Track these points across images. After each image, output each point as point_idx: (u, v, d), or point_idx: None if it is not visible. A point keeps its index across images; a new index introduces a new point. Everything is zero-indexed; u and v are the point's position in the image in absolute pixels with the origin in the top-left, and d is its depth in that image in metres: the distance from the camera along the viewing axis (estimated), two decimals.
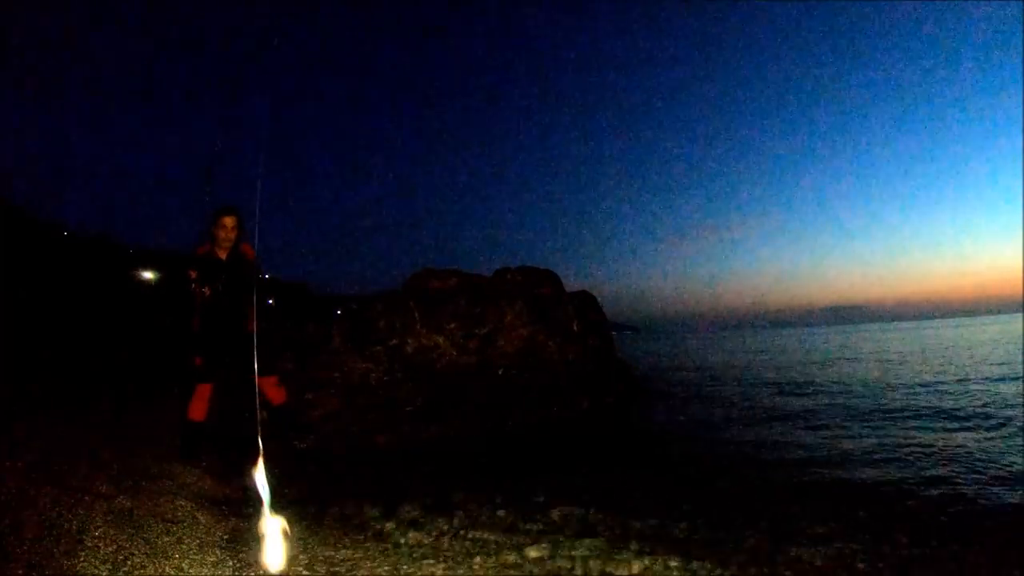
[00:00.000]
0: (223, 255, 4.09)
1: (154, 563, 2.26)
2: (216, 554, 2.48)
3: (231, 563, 2.42)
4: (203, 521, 2.87)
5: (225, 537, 2.74)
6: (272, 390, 4.35)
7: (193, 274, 3.91)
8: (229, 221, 4.08)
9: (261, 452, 1.31)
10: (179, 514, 2.88)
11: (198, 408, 4.01)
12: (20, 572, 1.97)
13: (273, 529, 1.27)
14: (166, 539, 2.51)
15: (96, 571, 2.10)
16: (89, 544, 2.27)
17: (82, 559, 2.15)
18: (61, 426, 4.27)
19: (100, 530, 2.42)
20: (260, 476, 1.30)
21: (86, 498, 2.73)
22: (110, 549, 2.28)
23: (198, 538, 2.61)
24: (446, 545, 2.96)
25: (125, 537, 2.42)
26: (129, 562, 2.22)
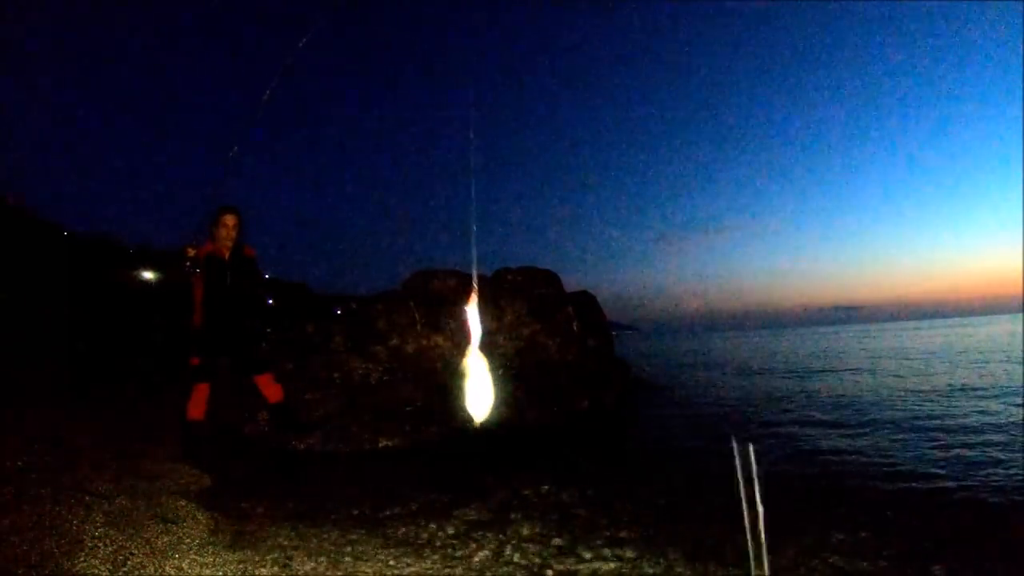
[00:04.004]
0: (225, 254, 4.09)
1: (154, 563, 2.26)
2: (216, 554, 2.48)
3: (231, 563, 2.42)
4: (203, 521, 2.87)
5: (225, 537, 2.74)
6: (268, 387, 4.35)
7: (191, 252, 3.85)
8: (230, 220, 4.08)
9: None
10: (179, 514, 2.88)
11: (197, 408, 4.01)
12: (20, 572, 1.97)
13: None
14: (166, 539, 2.51)
15: (96, 571, 2.10)
16: (89, 544, 2.27)
17: (82, 559, 2.15)
18: (61, 426, 4.28)
19: (100, 530, 2.42)
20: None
21: (86, 498, 2.73)
22: (110, 549, 2.28)
23: (198, 538, 2.61)
24: (440, 543, 2.95)
25: (125, 537, 2.42)
26: (129, 562, 2.22)
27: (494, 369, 1.56)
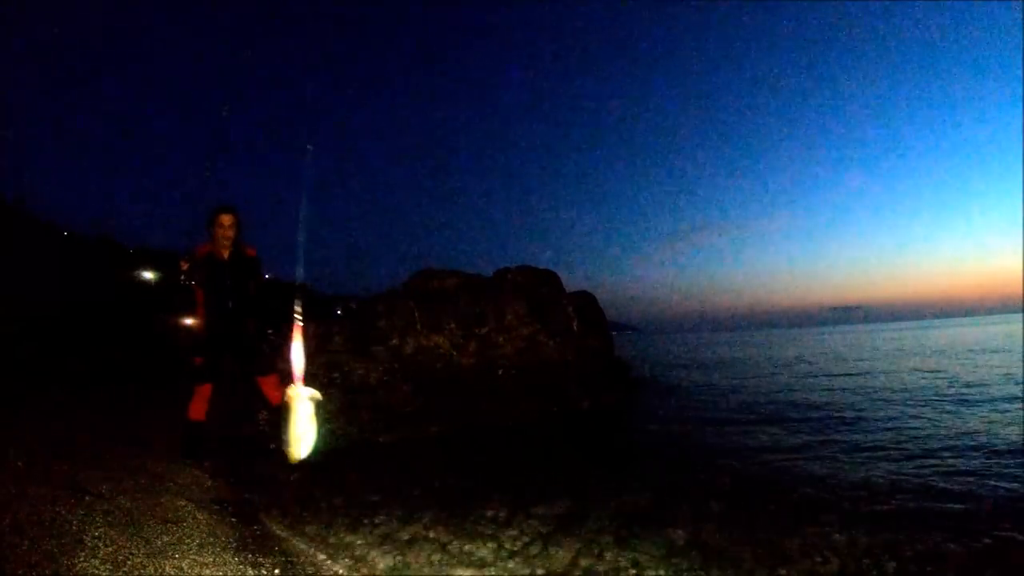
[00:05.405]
0: (224, 254, 4.09)
1: (154, 563, 2.25)
2: (216, 554, 2.48)
3: (231, 563, 2.42)
4: (203, 521, 2.87)
5: (225, 537, 2.73)
6: (272, 390, 4.34)
7: (184, 266, 3.86)
8: (227, 219, 4.06)
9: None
10: (179, 514, 2.88)
11: (198, 408, 4.01)
12: (20, 572, 1.96)
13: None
14: (166, 539, 2.51)
15: (96, 571, 2.10)
16: (89, 544, 2.27)
17: (82, 559, 2.15)
18: (61, 426, 4.28)
19: (100, 530, 2.42)
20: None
21: (86, 498, 2.73)
22: (110, 549, 2.27)
23: (198, 538, 2.61)
24: (440, 543, 2.96)
25: (125, 537, 2.41)
26: (129, 562, 2.21)
27: (319, 406, 1.52)
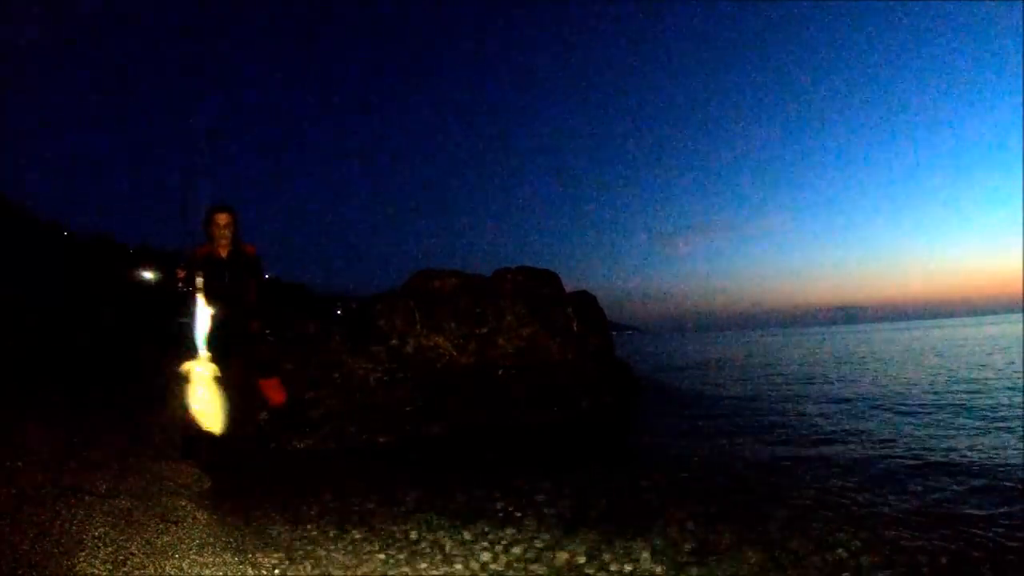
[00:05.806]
0: (223, 253, 4.08)
1: (154, 563, 2.26)
2: (216, 554, 2.48)
3: (231, 563, 2.42)
4: (203, 521, 2.87)
5: (225, 537, 2.74)
6: (273, 392, 4.34)
7: (181, 274, 3.84)
8: (222, 218, 4.06)
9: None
10: (179, 514, 2.88)
11: None
12: (20, 572, 1.97)
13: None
14: (166, 539, 2.52)
15: (96, 571, 2.10)
16: (89, 544, 2.28)
17: (82, 559, 2.16)
18: (61, 426, 4.28)
19: (100, 530, 2.42)
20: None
21: (86, 498, 2.73)
22: (110, 549, 2.28)
23: (198, 538, 2.61)
24: (439, 543, 2.96)
25: (125, 537, 2.42)
26: (129, 562, 2.22)
27: (221, 377, 1.53)
